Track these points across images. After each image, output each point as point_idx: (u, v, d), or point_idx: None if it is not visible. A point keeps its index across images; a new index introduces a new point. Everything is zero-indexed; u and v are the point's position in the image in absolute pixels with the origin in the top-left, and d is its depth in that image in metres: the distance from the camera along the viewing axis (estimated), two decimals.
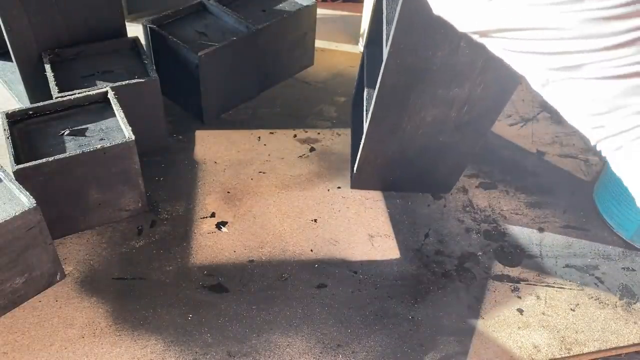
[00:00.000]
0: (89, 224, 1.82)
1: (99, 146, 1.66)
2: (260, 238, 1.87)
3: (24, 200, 1.48)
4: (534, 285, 1.81)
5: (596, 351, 1.66)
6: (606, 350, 1.66)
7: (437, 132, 1.81)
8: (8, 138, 1.64)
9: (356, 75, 2.38)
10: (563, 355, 1.64)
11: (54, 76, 1.89)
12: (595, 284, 1.84)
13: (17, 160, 1.60)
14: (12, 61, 2.01)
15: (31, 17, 1.88)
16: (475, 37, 0.69)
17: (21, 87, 2.07)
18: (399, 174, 2.01)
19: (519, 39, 0.64)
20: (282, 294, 1.71)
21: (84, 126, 1.77)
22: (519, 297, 1.77)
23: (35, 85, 2.02)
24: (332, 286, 1.75)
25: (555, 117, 2.47)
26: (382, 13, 1.75)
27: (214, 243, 1.83)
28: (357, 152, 1.94)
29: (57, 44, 2.00)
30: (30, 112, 1.76)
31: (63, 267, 1.69)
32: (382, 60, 1.60)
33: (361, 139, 1.88)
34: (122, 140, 1.69)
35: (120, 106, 1.80)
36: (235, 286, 1.72)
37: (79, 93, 1.83)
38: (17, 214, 1.43)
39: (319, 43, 2.68)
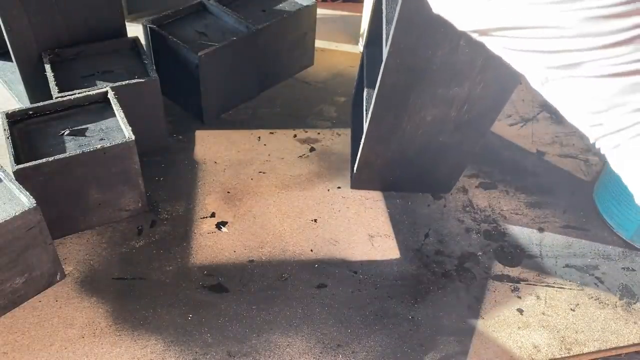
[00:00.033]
0: (89, 224, 1.82)
1: (99, 146, 1.66)
2: (260, 238, 1.87)
3: (24, 200, 1.48)
4: (534, 285, 1.81)
5: (596, 351, 1.66)
6: (606, 350, 1.66)
7: (437, 131, 1.81)
8: (8, 138, 1.64)
9: (356, 75, 2.38)
10: (563, 355, 1.64)
11: (54, 76, 1.90)
12: (595, 284, 1.84)
13: (17, 160, 1.60)
14: (12, 61, 2.01)
15: (31, 17, 1.88)
16: (475, 36, 0.69)
17: (21, 87, 2.08)
18: (399, 174, 2.01)
19: (519, 37, 0.64)
20: (282, 294, 1.71)
21: (84, 126, 1.77)
22: (519, 297, 1.77)
23: (35, 85, 2.02)
24: (332, 286, 1.75)
25: (555, 117, 2.47)
26: (382, 13, 1.75)
27: (214, 243, 1.83)
28: (357, 152, 1.94)
29: (57, 44, 2.00)
30: (30, 112, 1.76)
31: (63, 267, 1.69)
32: (382, 60, 1.60)
33: (361, 139, 1.88)
34: (122, 140, 1.69)
35: (120, 106, 1.80)
36: (235, 286, 1.72)
37: (79, 93, 1.83)
38: (17, 214, 1.43)
39: (319, 43, 2.68)
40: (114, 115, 1.81)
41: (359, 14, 2.78)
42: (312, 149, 2.21)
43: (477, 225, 1.99)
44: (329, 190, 2.06)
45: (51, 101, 1.79)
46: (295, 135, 2.27)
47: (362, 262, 1.83)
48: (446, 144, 1.86)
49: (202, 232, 1.86)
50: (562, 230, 2.00)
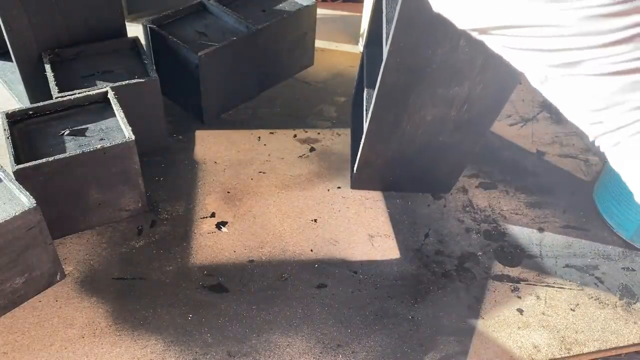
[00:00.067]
0: (89, 224, 1.82)
1: (99, 146, 1.66)
2: (260, 238, 1.87)
3: (24, 200, 1.48)
4: (534, 285, 1.81)
5: (596, 351, 1.66)
6: (606, 350, 1.66)
7: (437, 131, 1.81)
8: (8, 138, 1.64)
9: (356, 75, 2.38)
10: (563, 355, 1.64)
11: (54, 76, 1.90)
12: (595, 284, 1.84)
13: (17, 160, 1.60)
14: (12, 61, 2.02)
15: (31, 17, 1.88)
16: (475, 35, 0.70)
17: (21, 87, 2.08)
18: (399, 174, 2.01)
19: (518, 35, 0.64)
20: (282, 294, 1.71)
21: (84, 126, 1.77)
22: (519, 297, 1.77)
23: (35, 85, 2.03)
24: (332, 286, 1.75)
25: (555, 117, 2.47)
26: (382, 12, 1.75)
27: (214, 243, 1.83)
28: (357, 152, 1.94)
29: (57, 44, 2.00)
30: (30, 112, 1.76)
31: (63, 267, 1.69)
32: (382, 60, 1.60)
33: (361, 139, 1.88)
34: (122, 140, 1.69)
35: (120, 106, 1.80)
36: (235, 286, 1.72)
37: (79, 93, 1.83)
38: (17, 214, 1.43)
39: (319, 43, 2.68)
40: (114, 115, 1.81)
41: (359, 14, 2.78)
42: (312, 149, 2.21)
43: (477, 225, 1.99)
44: (329, 190, 2.06)
45: (51, 101, 1.79)
46: (295, 135, 2.27)
47: (362, 262, 1.83)
48: (446, 144, 1.86)
49: (202, 232, 1.86)
50: (562, 230, 2.00)
